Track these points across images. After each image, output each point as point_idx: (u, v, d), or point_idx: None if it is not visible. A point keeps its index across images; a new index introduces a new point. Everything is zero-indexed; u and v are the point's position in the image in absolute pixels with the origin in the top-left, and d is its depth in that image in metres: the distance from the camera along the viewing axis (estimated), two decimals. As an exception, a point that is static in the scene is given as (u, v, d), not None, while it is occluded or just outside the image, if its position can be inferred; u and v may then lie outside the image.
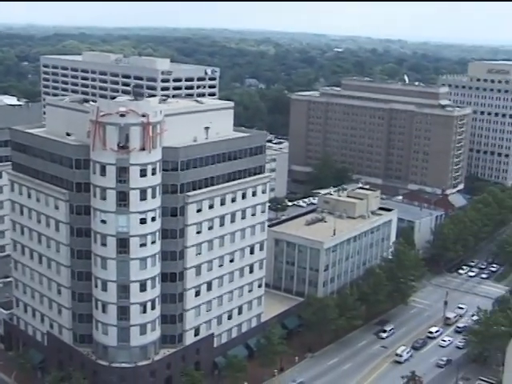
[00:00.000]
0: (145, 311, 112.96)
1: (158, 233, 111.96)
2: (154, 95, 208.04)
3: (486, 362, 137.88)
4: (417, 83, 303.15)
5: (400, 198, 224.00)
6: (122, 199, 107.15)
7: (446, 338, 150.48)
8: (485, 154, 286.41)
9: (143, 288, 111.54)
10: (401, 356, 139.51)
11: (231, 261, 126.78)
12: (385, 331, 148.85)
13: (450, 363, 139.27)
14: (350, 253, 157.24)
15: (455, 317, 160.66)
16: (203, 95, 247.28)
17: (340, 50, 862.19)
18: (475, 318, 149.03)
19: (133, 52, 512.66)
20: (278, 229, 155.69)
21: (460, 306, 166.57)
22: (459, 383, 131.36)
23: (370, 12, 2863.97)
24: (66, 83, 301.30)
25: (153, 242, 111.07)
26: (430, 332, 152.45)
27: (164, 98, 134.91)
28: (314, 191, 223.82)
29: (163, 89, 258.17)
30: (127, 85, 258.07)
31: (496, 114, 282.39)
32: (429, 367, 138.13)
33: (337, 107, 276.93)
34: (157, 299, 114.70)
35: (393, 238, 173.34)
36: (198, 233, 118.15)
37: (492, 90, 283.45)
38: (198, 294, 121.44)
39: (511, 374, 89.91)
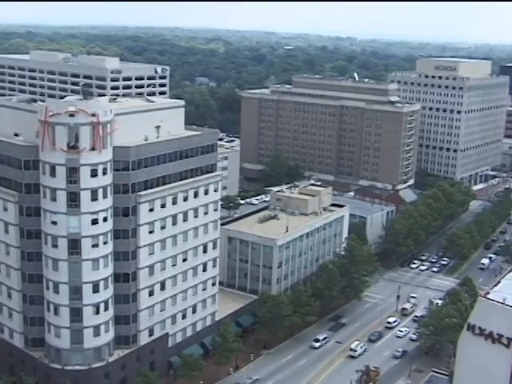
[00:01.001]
0: (98, 312, 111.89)
1: (109, 233, 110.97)
2: (103, 94, 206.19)
3: (439, 353, 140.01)
4: (366, 80, 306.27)
5: (352, 194, 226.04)
6: (73, 200, 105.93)
7: (403, 329, 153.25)
8: (434, 149, 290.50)
9: (96, 289, 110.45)
10: (355, 351, 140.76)
11: (184, 260, 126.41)
12: (318, 340, 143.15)
13: (406, 354, 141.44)
14: (303, 249, 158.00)
15: (411, 307, 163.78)
16: (154, 94, 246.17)
17: (290, 47, 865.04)
18: (426, 311, 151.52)
19: (81, 51, 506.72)
20: (231, 227, 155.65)
21: (412, 295, 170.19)
22: (413, 375, 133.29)
23: (321, 10, 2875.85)
24: (13, 83, 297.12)
25: (105, 243, 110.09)
26: (389, 322, 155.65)
27: (114, 97, 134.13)
28: (267, 189, 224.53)
29: (113, 88, 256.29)
30: (76, 84, 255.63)
31: (444, 110, 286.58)
32: (385, 359, 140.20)
33: (288, 105, 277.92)
34: (110, 300, 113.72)
35: (345, 233, 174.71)
36: (150, 232, 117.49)
37: (440, 86, 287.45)
38: (151, 293, 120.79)
39: (462, 365, 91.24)
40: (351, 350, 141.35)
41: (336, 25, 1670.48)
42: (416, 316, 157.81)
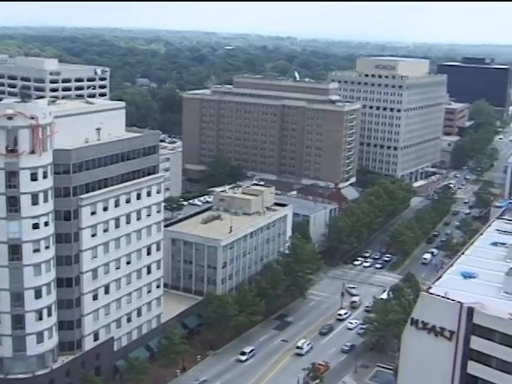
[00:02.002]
0: (41, 318, 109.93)
1: (51, 237, 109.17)
2: (42, 96, 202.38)
3: (384, 349, 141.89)
4: (307, 79, 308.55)
5: (294, 193, 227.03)
6: (13, 204, 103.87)
7: (353, 321, 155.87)
8: (375, 147, 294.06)
9: (38, 295, 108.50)
10: (301, 348, 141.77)
11: (128, 263, 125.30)
12: (244, 353, 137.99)
13: (354, 348, 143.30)
14: (247, 249, 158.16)
15: (359, 299, 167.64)
16: (94, 96, 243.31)
17: (231, 47, 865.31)
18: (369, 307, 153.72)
19: (18, 52, 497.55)
20: (175, 228, 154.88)
21: (350, 286, 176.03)
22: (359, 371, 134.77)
23: (260, 9, 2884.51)
24: None
25: (46, 248, 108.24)
26: (339, 314, 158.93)
27: (53, 99, 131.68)
28: (209, 189, 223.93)
29: (52, 90, 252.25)
30: (14, 86, 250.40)
31: (384, 109, 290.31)
32: (333, 353, 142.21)
33: (229, 105, 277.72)
34: (53, 305, 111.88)
35: (289, 232, 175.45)
36: (93, 236, 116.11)
37: (380, 84, 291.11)
38: (95, 298, 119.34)
39: (407, 359, 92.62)
40: (298, 347, 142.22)
41: (275, 25, 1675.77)
42: (367, 306, 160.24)
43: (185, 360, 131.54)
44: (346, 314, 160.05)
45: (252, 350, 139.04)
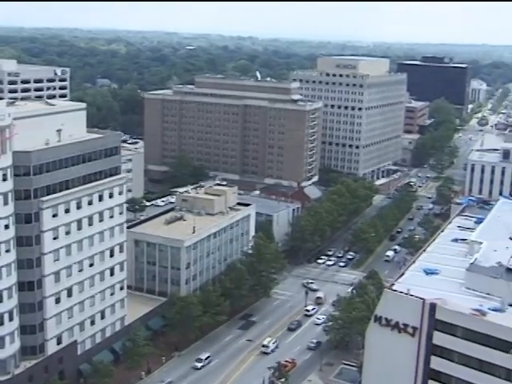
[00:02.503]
0: (2, 323, 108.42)
1: (12, 241, 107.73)
2: (1, 98, 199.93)
3: (348, 346, 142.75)
4: (269, 79, 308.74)
5: (257, 192, 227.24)
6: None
7: (321, 316, 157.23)
8: (337, 146, 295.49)
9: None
10: (267, 347, 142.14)
11: (91, 265, 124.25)
12: (200, 360, 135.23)
13: (320, 345, 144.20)
14: (210, 249, 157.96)
15: (324, 295, 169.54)
16: (54, 97, 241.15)
17: (192, 47, 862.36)
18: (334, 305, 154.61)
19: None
20: (138, 229, 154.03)
21: (309, 281, 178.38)
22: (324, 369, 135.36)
23: (221, 9, 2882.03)
24: None
25: (7, 251, 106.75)
26: (307, 310, 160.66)
27: (12, 100, 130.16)
28: (172, 190, 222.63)
29: (11, 91, 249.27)
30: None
31: (345, 107, 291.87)
32: (300, 351, 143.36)
33: (191, 105, 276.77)
34: (15, 310, 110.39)
35: (252, 232, 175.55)
36: (54, 238, 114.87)
37: (341, 83, 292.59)
38: (58, 301, 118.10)
39: (371, 355, 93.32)
40: (263, 346, 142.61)
41: (237, 24, 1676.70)
42: (334, 300, 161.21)
43: (149, 362, 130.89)
44: (313, 309, 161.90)
45: (208, 357, 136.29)
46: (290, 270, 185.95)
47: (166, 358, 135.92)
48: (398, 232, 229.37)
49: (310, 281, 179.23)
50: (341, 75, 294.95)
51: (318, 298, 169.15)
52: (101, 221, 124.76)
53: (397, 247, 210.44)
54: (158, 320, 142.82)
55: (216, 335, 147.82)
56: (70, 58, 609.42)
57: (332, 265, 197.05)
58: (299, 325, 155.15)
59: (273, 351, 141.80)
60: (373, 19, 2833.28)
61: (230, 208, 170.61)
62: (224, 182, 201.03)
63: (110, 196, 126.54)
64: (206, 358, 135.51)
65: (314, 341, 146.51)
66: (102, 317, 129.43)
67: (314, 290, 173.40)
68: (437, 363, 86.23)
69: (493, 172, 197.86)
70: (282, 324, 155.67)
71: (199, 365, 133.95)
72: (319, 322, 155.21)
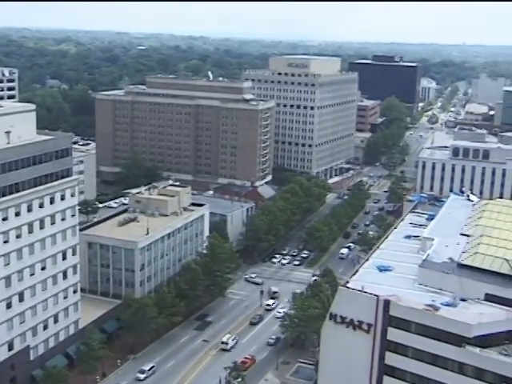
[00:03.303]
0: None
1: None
2: None
3: (304, 344, 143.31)
4: (221, 79, 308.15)
5: (211, 192, 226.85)
6: None
7: (281, 310, 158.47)
8: (290, 145, 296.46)
9: None
10: (227, 343, 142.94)
11: (43, 268, 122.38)
12: (143, 372, 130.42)
13: (279, 341, 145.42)
14: (165, 250, 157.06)
15: (277, 291, 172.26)
16: (2, 98, 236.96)
17: (143, 47, 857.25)
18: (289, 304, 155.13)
19: None
20: (90, 232, 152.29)
21: (251, 275, 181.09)
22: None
23: (173, 8, 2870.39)
24: None
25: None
26: (268, 304, 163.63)
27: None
28: (125, 191, 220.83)
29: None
30: None
31: (298, 107, 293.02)
32: (259, 347, 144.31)
33: (143, 105, 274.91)
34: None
35: (206, 232, 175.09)
36: (5, 242, 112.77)
37: (293, 83, 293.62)
38: (9, 306, 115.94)
39: (327, 353, 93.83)
40: (223, 343, 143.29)
41: (188, 24, 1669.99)
42: (295, 292, 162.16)
43: (105, 365, 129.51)
44: (273, 303, 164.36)
45: (152, 367, 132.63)
46: (244, 270, 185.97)
47: (121, 361, 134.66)
48: (354, 227, 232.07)
49: (253, 275, 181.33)
50: (293, 74, 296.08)
51: (274, 292, 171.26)
52: (53, 224, 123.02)
53: (351, 245, 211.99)
54: (113, 323, 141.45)
55: (172, 336, 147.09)
56: (18, 58, 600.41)
57: (287, 263, 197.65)
58: (261, 318, 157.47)
59: (232, 348, 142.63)
60: (324, 19, 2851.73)
61: (183, 208, 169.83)
62: (177, 183, 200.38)
63: (62, 198, 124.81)
64: (149, 369, 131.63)
65: (274, 337, 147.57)
66: (56, 321, 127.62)
67: (258, 284, 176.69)
68: (391, 359, 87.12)
69: (443, 169, 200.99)
70: (237, 324, 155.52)
71: (142, 376, 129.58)
72: (280, 315, 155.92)
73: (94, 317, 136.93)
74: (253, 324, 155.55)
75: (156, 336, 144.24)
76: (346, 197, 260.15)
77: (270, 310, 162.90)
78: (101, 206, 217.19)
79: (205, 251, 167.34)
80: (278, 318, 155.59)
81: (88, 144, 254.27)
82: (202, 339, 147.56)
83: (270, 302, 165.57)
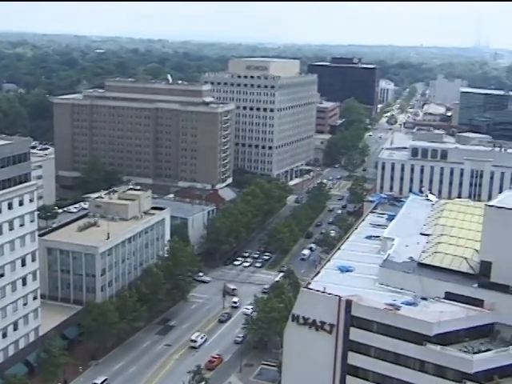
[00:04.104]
0: None
1: None
2: None
3: (267, 346, 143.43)
4: (180, 82, 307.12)
5: (171, 196, 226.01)
6: None
7: (249, 306, 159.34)
8: (250, 147, 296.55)
9: None
10: (195, 342, 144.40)
11: (1, 275, 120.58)
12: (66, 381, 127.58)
13: (246, 339, 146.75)
14: (126, 255, 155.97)
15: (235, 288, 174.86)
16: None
17: (101, 51, 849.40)
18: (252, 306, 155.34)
19: None
20: (50, 237, 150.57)
21: (200, 274, 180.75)
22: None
23: (131, 11, 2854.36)
24: None
25: None
26: (234, 302, 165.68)
27: None
28: (85, 196, 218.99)
29: None
30: None
31: (258, 109, 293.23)
32: (227, 345, 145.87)
33: (102, 109, 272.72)
34: None
35: (167, 236, 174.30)
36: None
37: (252, 85, 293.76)
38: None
39: (290, 354, 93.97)
40: (192, 341, 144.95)
41: (147, 27, 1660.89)
42: (265, 288, 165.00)
43: (66, 372, 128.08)
44: (238, 301, 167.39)
45: (105, 380, 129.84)
46: (206, 273, 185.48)
47: (82, 368, 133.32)
48: (318, 225, 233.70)
49: (200, 274, 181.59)
50: (252, 77, 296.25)
51: (233, 289, 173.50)
52: (11, 229, 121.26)
53: (312, 245, 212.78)
54: (74, 329, 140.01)
55: (134, 341, 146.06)
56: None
57: (248, 266, 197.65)
58: (229, 316, 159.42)
59: (201, 346, 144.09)
60: (283, 21, 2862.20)
61: (144, 212, 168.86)
62: (137, 187, 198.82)
63: (20, 204, 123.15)
64: (102, 383, 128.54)
65: (240, 335, 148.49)
66: (15, 328, 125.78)
67: (206, 282, 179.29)
68: (354, 358, 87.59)
69: (402, 169, 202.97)
70: (200, 327, 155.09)
71: None
72: (248, 312, 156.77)
73: (54, 323, 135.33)
74: (221, 322, 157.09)
75: (118, 341, 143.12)
76: (303, 201, 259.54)
77: (236, 307, 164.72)
78: (60, 211, 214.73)
79: (166, 255, 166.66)
80: (247, 314, 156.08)
81: (46, 149, 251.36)
82: (164, 343, 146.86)
83: (235, 299, 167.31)
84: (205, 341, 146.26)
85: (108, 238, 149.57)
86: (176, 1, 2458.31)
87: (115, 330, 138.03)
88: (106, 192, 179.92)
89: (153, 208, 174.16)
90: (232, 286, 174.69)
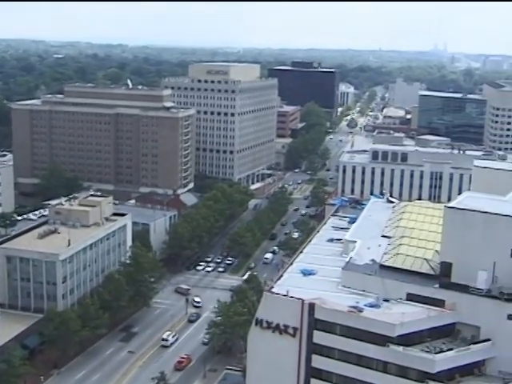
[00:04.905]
0: None
1: None
2: None
3: (231, 351, 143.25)
4: (140, 87, 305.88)
5: (133, 201, 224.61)
6: None
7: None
8: (211, 152, 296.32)
9: None
10: (167, 340, 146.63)
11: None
12: None
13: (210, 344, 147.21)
14: (87, 261, 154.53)
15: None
16: None
17: (60, 56, 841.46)
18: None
19: None
20: (9, 245, 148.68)
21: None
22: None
23: (90, 16, 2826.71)
24: None
25: None
26: (197, 302, 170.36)
27: None
28: (45, 203, 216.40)
29: None
30: None
31: (218, 113, 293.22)
32: (195, 346, 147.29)
33: (61, 115, 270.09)
34: None
35: (129, 242, 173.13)
36: None
37: (213, 90, 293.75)
38: None
39: (254, 359, 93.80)
40: (163, 339, 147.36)
41: (106, 32, 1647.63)
42: (232, 290, 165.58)
43: (27, 382, 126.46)
44: (200, 301, 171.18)
45: None
46: (169, 279, 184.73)
47: (44, 377, 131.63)
48: (283, 224, 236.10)
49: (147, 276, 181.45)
50: (212, 81, 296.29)
51: (188, 289, 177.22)
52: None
53: (275, 248, 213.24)
54: (35, 338, 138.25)
55: (96, 349, 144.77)
56: None
57: (211, 271, 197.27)
58: (198, 316, 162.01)
59: (172, 344, 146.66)
60: (243, 25, 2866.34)
61: (105, 219, 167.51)
62: (98, 193, 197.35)
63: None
64: None
65: (208, 336, 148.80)
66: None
67: (185, 294, 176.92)
68: (318, 361, 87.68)
69: (363, 172, 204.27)
70: (164, 333, 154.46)
71: None
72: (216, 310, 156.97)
73: (14, 333, 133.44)
74: (191, 322, 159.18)
75: (80, 349, 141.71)
76: (262, 207, 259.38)
77: (198, 307, 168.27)
78: (20, 218, 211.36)
79: (128, 261, 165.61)
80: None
81: (4, 155, 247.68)
82: (127, 350, 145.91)
83: (197, 299, 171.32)
84: (176, 339, 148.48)
85: (69, 245, 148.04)
86: (138, 0, 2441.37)
87: (77, 338, 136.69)
88: (67, 199, 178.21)
89: (114, 214, 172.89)
90: (185, 286, 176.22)
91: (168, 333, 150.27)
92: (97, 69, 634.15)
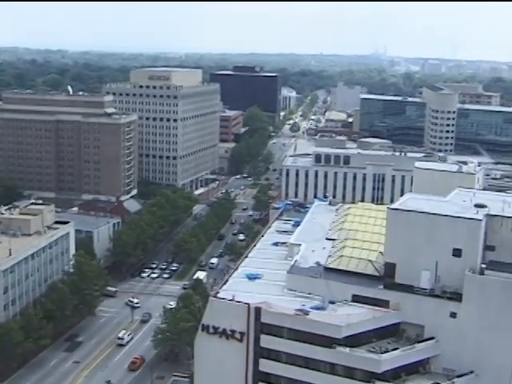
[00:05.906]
0: None
1: None
2: None
3: (178, 358, 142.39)
4: (81, 93, 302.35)
5: (75, 209, 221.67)
6: None
7: (172, 302, 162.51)
8: (154, 157, 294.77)
9: None
10: (122, 339, 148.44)
11: None
12: None
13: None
14: (29, 271, 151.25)
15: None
16: None
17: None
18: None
19: None
20: None
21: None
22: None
23: (28, 21, 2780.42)
24: None
25: None
26: (135, 303, 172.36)
27: None
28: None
29: None
30: None
31: (161, 119, 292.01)
32: (147, 348, 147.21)
33: (0, 122, 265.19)
34: None
35: (72, 250, 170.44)
36: None
37: (155, 95, 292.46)
38: None
39: (201, 365, 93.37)
40: (119, 338, 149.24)
41: (45, 37, 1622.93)
42: (186, 285, 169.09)
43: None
44: (138, 302, 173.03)
45: None
46: (114, 286, 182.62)
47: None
48: (232, 223, 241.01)
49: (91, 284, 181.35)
50: (154, 87, 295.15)
51: (115, 291, 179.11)
52: None
53: (221, 251, 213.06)
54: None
55: (40, 360, 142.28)
56: None
57: (156, 277, 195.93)
58: (150, 316, 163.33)
59: (128, 343, 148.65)
60: (184, 30, 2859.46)
61: (47, 227, 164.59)
62: (40, 201, 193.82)
63: None
64: None
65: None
66: None
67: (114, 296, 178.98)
68: (266, 365, 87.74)
69: (306, 176, 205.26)
70: (109, 341, 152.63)
71: None
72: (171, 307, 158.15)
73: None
74: (144, 322, 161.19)
75: (23, 361, 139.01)
76: (203, 215, 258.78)
77: (137, 307, 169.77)
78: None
79: (71, 270, 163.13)
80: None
81: None
82: (72, 360, 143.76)
83: (135, 300, 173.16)
84: (131, 338, 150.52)
85: (10, 254, 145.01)
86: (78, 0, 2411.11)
87: (20, 350, 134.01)
88: (7, 207, 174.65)
89: (56, 222, 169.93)
90: (113, 289, 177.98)
91: (123, 331, 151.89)
92: (36, 75, 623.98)
